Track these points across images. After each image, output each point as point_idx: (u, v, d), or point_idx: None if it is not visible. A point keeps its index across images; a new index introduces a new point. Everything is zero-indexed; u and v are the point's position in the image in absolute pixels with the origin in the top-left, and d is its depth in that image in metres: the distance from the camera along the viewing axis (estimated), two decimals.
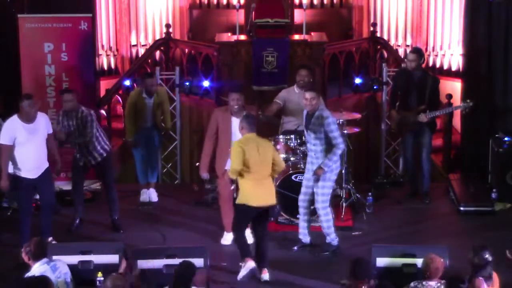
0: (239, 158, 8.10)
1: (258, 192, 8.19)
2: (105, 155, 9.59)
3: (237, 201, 8.33)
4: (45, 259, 7.08)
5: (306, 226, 9.03)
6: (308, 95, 8.60)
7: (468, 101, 10.43)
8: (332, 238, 8.94)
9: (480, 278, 6.79)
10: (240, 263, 8.22)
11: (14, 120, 8.68)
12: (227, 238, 9.25)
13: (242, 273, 8.15)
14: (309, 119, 8.66)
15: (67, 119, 9.49)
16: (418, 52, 10.43)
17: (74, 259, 7.91)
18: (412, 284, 7.08)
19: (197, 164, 9.60)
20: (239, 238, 8.32)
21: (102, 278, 7.57)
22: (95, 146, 9.51)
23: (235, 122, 8.96)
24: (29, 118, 8.64)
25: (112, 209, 9.70)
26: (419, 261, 7.78)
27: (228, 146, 8.96)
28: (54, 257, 7.37)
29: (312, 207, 9.14)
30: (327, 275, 8.39)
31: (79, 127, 9.44)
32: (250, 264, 8.14)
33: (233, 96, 9.03)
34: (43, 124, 8.80)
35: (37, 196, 9.19)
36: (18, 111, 8.75)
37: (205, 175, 9.31)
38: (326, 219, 8.86)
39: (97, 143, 9.52)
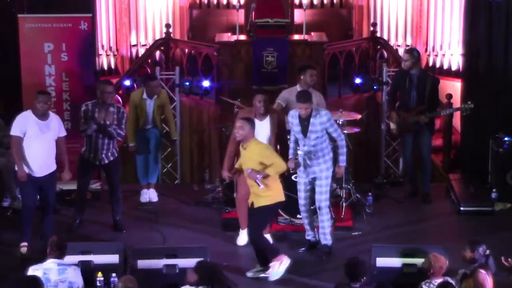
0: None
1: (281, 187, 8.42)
2: (116, 155, 9.61)
3: (270, 202, 8.24)
4: (57, 260, 7.08)
5: (313, 227, 9.02)
6: (301, 105, 8.57)
7: (469, 102, 10.42)
8: (330, 238, 8.93)
9: (483, 271, 6.80)
10: (274, 261, 8.24)
11: (27, 114, 8.77)
12: (243, 238, 9.26)
13: (282, 269, 8.25)
14: (306, 123, 8.60)
15: (98, 112, 9.38)
16: (411, 52, 10.40)
17: (74, 259, 7.90)
18: (423, 285, 7.06)
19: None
20: (263, 238, 8.41)
21: (102, 278, 7.59)
22: (113, 145, 9.52)
23: (258, 124, 8.89)
24: (40, 114, 8.68)
25: (115, 210, 9.70)
26: (419, 261, 7.81)
27: None
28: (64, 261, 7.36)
29: (312, 207, 9.17)
30: (327, 275, 8.39)
31: (111, 121, 9.39)
32: (288, 260, 8.28)
33: (259, 98, 9.01)
34: (55, 125, 8.83)
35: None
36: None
37: (225, 175, 9.25)
38: (328, 218, 8.88)
39: (114, 143, 9.55)
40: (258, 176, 8.08)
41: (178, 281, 7.66)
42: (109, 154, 9.53)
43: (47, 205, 8.99)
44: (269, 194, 8.22)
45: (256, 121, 8.90)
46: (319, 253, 8.93)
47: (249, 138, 8.19)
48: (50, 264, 7.04)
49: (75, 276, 7.07)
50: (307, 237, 9.06)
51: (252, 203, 8.28)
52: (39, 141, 8.70)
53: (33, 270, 6.96)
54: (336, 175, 8.87)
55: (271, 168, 8.12)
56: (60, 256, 7.14)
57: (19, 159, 8.69)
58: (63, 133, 8.99)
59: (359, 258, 6.99)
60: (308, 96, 8.71)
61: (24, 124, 8.68)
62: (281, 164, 8.24)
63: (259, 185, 8.10)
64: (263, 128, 8.96)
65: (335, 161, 8.93)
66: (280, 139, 9.18)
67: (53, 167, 8.92)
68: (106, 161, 9.54)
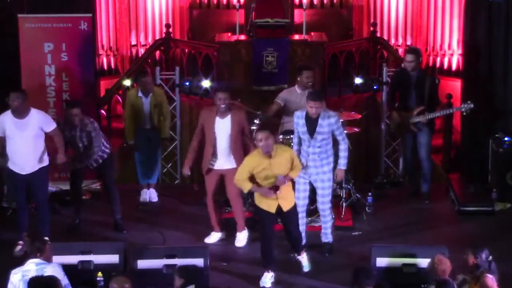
0: None
1: None
2: (105, 157, 9.55)
3: (294, 200, 8.36)
4: (37, 259, 6.97)
5: (304, 228, 9.02)
6: (313, 104, 8.51)
7: (469, 102, 10.42)
8: (331, 236, 8.96)
9: (490, 276, 6.79)
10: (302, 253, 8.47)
11: (6, 114, 8.80)
12: (213, 238, 9.35)
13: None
14: (314, 123, 8.56)
15: (69, 130, 9.34)
16: (416, 52, 10.39)
17: (74, 259, 7.91)
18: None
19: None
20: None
21: (102, 278, 7.58)
22: (95, 152, 9.48)
23: (219, 122, 8.97)
24: (14, 111, 8.69)
25: (114, 210, 9.69)
26: (419, 261, 7.82)
27: (211, 146, 9.00)
28: (55, 260, 7.29)
29: (312, 207, 9.17)
30: (327, 274, 8.40)
31: (82, 139, 9.35)
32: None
33: (220, 96, 8.95)
34: (35, 121, 8.77)
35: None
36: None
37: (186, 171, 9.30)
38: (330, 218, 8.92)
39: (97, 149, 9.48)
40: (286, 181, 8.06)
41: None
42: (97, 157, 9.47)
43: (37, 203, 9.02)
44: (293, 193, 8.33)
45: (217, 118, 8.97)
46: (321, 251, 8.93)
47: (273, 146, 8.01)
48: (30, 265, 6.91)
49: (54, 274, 6.82)
50: None
51: (279, 207, 8.11)
52: (18, 139, 8.72)
53: (13, 274, 6.86)
54: (336, 178, 8.86)
55: (295, 171, 8.14)
56: (39, 255, 6.99)
57: None
58: (51, 127, 8.88)
59: (367, 269, 6.92)
60: (320, 94, 8.72)
61: (3, 124, 8.74)
62: (300, 164, 8.31)
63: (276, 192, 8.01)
64: (224, 126, 8.95)
65: (336, 164, 8.93)
66: (242, 138, 9.14)
67: (40, 164, 8.87)
68: (97, 163, 9.50)
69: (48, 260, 7.06)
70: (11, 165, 8.84)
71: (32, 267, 6.89)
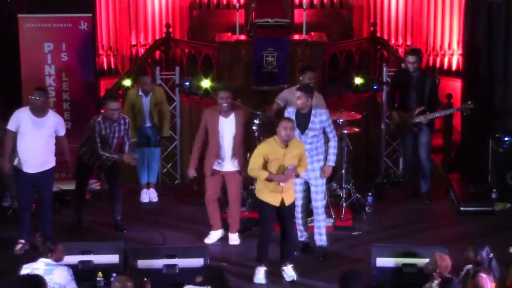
0: None
1: None
2: (117, 156, 9.60)
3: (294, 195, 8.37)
4: (48, 260, 7.02)
5: (306, 227, 9.02)
6: (299, 93, 8.58)
7: (469, 102, 10.43)
8: (325, 239, 8.89)
9: (483, 275, 6.79)
10: (288, 264, 8.35)
11: (23, 109, 8.86)
12: (213, 237, 9.33)
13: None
14: (306, 119, 8.58)
15: (109, 127, 9.35)
16: (417, 53, 10.41)
17: (74, 259, 7.90)
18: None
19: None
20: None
21: (102, 278, 7.58)
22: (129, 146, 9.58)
23: (223, 121, 8.97)
24: (33, 108, 8.73)
25: (115, 209, 9.68)
26: (419, 261, 7.82)
27: (216, 146, 8.99)
28: (64, 261, 7.29)
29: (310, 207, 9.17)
30: (326, 274, 8.38)
31: (119, 134, 9.40)
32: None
33: (222, 95, 8.94)
34: (52, 122, 8.84)
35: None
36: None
37: (192, 173, 9.29)
38: (324, 218, 8.87)
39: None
40: (294, 174, 8.10)
41: (178, 281, 7.68)
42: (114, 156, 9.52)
43: (42, 203, 9.01)
44: (293, 188, 8.34)
45: (221, 118, 8.96)
46: (316, 253, 8.92)
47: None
48: (40, 263, 6.97)
49: (61, 277, 6.92)
50: (301, 239, 9.00)
51: (282, 201, 8.14)
52: (32, 137, 8.73)
53: (24, 269, 6.94)
54: (322, 174, 8.75)
55: (302, 167, 8.20)
56: (50, 255, 7.03)
57: (6, 152, 8.82)
58: (62, 132, 8.98)
59: (355, 273, 6.74)
60: (308, 89, 8.71)
61: (18, 119, 8.76)
62: (306, 164, 8.36)
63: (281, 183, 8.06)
64: (228, 125, 8.96)
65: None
66: (246, 136, 9.19)
67: (48, 165, 8.91)
68: (108, 163, 9.52)
69: (59, 260, 7.12)
70: (19, 163, 8.83)
71: (41, 266, 6.95)
